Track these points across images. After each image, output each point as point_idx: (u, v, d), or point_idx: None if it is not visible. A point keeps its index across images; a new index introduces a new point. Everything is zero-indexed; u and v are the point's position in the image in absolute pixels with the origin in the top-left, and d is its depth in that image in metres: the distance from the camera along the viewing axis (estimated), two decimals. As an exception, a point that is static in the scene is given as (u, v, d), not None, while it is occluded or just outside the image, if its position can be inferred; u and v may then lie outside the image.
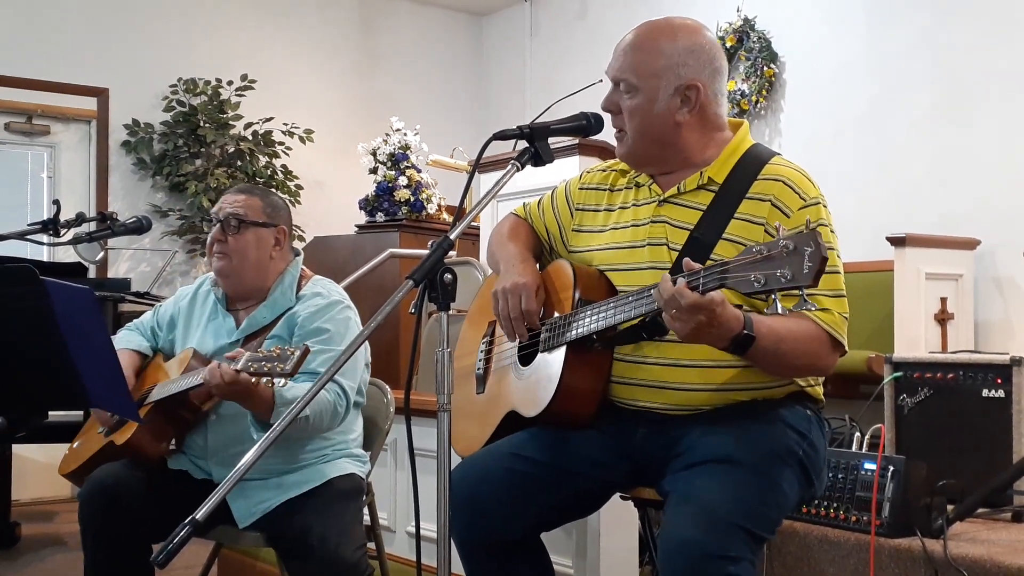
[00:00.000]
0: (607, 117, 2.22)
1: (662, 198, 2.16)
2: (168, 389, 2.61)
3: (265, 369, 2.30)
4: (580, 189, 2.35)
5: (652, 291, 1.85)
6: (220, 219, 2.72)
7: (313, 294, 2.74)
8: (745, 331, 1.83)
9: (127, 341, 2.86)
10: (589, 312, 2.06)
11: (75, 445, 2.89)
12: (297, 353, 2.28)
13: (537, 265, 2.31)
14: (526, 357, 2.22)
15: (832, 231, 2.08)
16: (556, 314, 2.17)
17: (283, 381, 2.30)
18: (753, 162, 2.13)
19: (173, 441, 2.73)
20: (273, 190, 6.60)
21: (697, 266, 1.79)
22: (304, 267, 2.84)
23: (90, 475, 2.65)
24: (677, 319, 1.79)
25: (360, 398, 2.79)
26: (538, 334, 2.18)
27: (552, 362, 2.12)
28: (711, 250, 2.05)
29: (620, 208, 2.25)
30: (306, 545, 2.47)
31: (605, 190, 2.30)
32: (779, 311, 1.66)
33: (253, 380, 2.37)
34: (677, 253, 2.09)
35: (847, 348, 2.04)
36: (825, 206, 2.09)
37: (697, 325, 1.78)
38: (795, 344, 1.94)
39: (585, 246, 2.27)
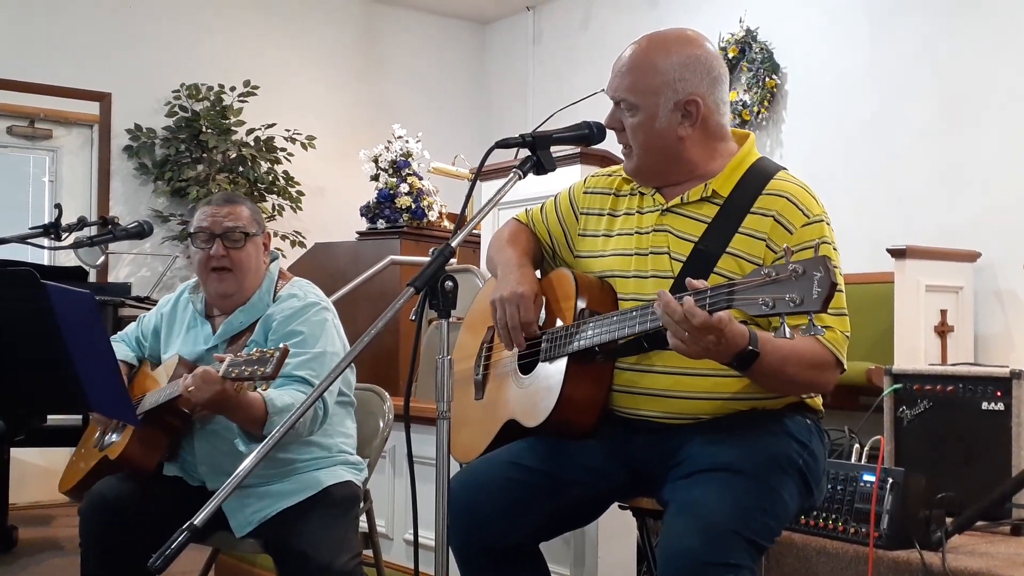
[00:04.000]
0: (612, 134, 2.23)
1: (665, 207, 2.17)
2: (156, 399, 2.59)
3: (246, 374, 2.29)
4: (585, 193, 2.35)
5: (653, 305, 1.85)
6: (219, 234, 2.66)
7: (289, 295, 2.70)
8: (750, 347, 1.84)
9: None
10: (592, 324, 2.06)
11: (70, 461, 2.88)
12: (276, 355, 2.27)
13: (537, 272, 2.32)
14: (526, 365, 2.22)
15: (834, 248, 2.08)
16: (558, 323, 2.17)
17: (264, 384, 2.29)
18: (758, 176, 2.13)
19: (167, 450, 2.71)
20: (273, 197, 6.66)
21: (702, 284, 1.79)
22: (283, 269, 2.82)
23: (89, 490, 2.64)
24: (687, 341, 1.79)
25: (346, 396, 2.78)
26: (539, 343, 2.18)
27: (553, 372, 2.12)
28: (715, 262, 2.05)
29: (624, 214, 2.25)
30: (301, 554, 2.46)
31: (610, 194, 2.30)
32: (787, 335, 1.66)
33: (236, 386, 2.36)
34: (680, 263, 2.10)
35: (846, 366, 2.04)
36: (828, 223, 2.09)
37: (705, 344, 1.79)
38: (797, 361, 1.95)
39: (590, 251, 2.28)
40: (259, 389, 2.36)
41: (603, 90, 2.28)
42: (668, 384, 2.08)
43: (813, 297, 1.62)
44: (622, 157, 2.25)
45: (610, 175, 2.35)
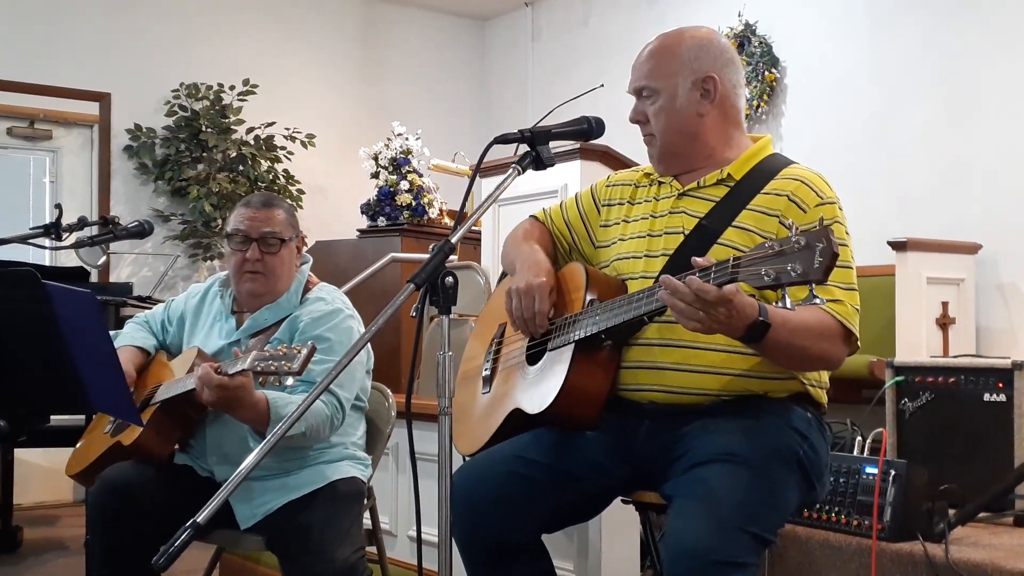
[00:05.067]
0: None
1: (681, 191, 2.22)
2: (173, 389, 2.60)
3: (272, 368, 2.28)
4: (607, 186, 2.41)
5: (658, 294, 1.86)
6: (255, 238, 2.68)
7: (317, 299, 2.74)
8: (760, 318, 1.85)
9: (132, 337, 2.86)
10: (599, 310, 2.08)
11: (80, 445, 2.89)
12: (304, 352, 2.27)
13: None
14: (534, 356, 2.23)
15: (847, 232, 2.12)
16: (567, 314, 2.19)
17: (290, 380, 2.29)
18: (773, 164, 2.20)
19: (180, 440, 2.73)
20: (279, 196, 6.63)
21: (706, 261, 1.81)
22: (311, 273, 2.85)
23: (100, 474, 2.64)
24: (703, 320, 1.80)
25: (361, 402, 2.80)
26: (548, 334, 2.19)
27: (559, 360, 2.13)
28: (718, 236, 2.10)
29: (643, 202, 2.30)
30: (305, 546, 2.48)
31: (631, 186, 2.36)
32: (788, 305, 1.69)
33: (260, 380, 2.37)
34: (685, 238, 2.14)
35: (859, 342, 2.05)
36: (841, 208, 2.14)
37: (717, 318, 1.80)
38: (808, 333, 1.96)
39: (609, 239, 2.33)
40: (286, 383, 2.36)
41: (603, 84, 2.30)
42: (678, 358, 2.09)
43: (815, 267, 1.64)
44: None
45: (634, 171, 2.43)
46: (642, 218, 2.27)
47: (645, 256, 2.19)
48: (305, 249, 2.85)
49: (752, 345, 1.93)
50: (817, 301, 1.69)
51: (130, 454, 2.63)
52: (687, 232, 2.15)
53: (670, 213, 2.21)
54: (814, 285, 1.66)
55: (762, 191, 2.13)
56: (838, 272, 1.83)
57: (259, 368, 2.31)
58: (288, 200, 6.60)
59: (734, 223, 2.10)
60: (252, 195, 2.86)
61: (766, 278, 1.69)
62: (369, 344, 2.71)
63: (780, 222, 2.07)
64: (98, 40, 6.61)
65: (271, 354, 2.31)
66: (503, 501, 2.15)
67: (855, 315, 2.03)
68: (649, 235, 2.22)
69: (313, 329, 2.65)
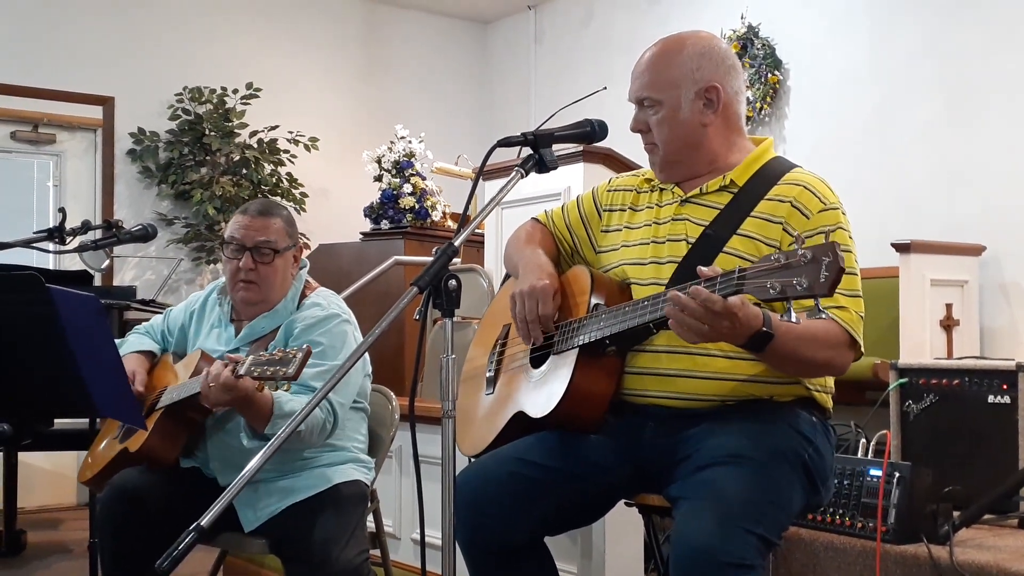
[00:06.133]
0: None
1: (684, 198, 2.22)
2: (177, 393, 2.62)
3: (268, 373, 2.30)
4: (608, 191, 2.40)
5: (664, 305, 1.86)
6: (249, 247, 2.69)
7: (313, 304, 2.74)
8: (764, 328, 1.85)
9: (138, 344, 2.88)
10: (603, 315, 2.08)
11: (92, 451, 2.90)
12: (299, 355, 2.28)
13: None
14: (538, 360, 2.23)
15: (850, 236, 2.12)
16: (571, 318, 2.19)
17: (287, 384, 2.30)
18: (775, 169, 2.19)
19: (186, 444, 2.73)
20: (277, 199, 6.66)
21: (712, 271, 1.81)
22: (310, 278, 2.85)
23: (109, 481, 2.66)
24: (707, 333, 1.80)
25: (362, 403, 2.80)
26: (552, 337, 2.19)
27: (563, 364, 2.13)
28: (723, 244, 2.09)
29: (645, 208, 2.30)
30: (308, 549, 2.49)
31: (632, 191, 2.35)
32: (793, 319, 1.69)
33: (257, 385, 2.37)
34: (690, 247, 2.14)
35: (863, 349, 2.05)
36: (844, 213, 2.13)
37: (720, 329, 1.81)
38: (812, 341, 1.96)
39: (611, 244, 2.32)
40: (280, 389, 2.38)
41: (606, 87, 2.30)
42: (685, 364, 2.09)
43: (821, 281, 1.64)
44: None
45: (634, 175, 2.41)
46: (645, 225, 2.26)
47: (652, 263, 2.19)
48: (307, 253, 2.86)
49: (754, 353, 1.93)
50: (823, 316, 1.69)
51: (137, 460, 2.65)
52: (690, 239, 2.15)
53: (672, 220, 2.21)
54: (819, 299, 1.66)
55: (765, 197, 2.13)
56: (843, 279, 1.83)
57: (255, 373, 2.33)
58: (291, 205, 6.72)
59: (738, 231, 2.10)
60: (251, 202, 2.86)
61: (771, 291, 1.69)
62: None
63: (784, 229, 2.07)
64: (101, 44, 6.62)
65: (267, 359, 2.33)
66: (506, 503, 2.15)
67: (860, 322, 2.04)
68: (654, 242, 2.21)
69: (307, 335, 2.65)
